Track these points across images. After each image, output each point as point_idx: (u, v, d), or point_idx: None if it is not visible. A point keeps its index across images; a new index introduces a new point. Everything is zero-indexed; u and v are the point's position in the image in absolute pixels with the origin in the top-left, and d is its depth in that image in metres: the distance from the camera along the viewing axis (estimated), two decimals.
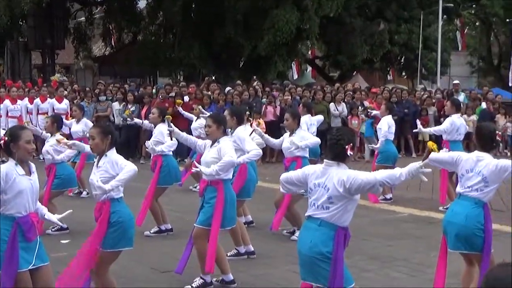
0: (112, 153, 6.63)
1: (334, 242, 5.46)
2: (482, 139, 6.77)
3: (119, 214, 6.51)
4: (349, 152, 5.54)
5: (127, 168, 6.45)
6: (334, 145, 5.60)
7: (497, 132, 6.68)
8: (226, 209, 7.62)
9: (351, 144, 5.57)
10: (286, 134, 10.35)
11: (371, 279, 8.16)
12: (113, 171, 6.49)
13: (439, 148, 7.41)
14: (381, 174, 5.52)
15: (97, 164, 6.66)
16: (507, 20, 41.94)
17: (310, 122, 13.46)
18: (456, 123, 12.53)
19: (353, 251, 8.89)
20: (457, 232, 6.49)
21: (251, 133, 10.20)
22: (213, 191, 7.63)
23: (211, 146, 7.86)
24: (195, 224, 7.73)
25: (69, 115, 17.20)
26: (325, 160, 5.67)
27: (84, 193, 13.56)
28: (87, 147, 9.27)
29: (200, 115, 14.07)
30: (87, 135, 12.93)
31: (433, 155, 6.65)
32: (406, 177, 5.52)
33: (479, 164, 6.54)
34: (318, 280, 5.53)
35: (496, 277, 2.63)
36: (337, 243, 5.46)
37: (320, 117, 14.66)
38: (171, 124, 9.33)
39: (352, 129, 17.87)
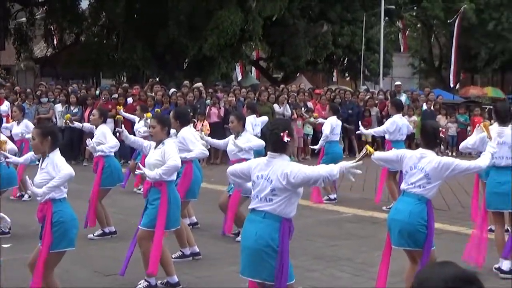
0: (55, 155, 6.57)
1: (280, 233, 5.48)
2: (426, 136, 6.91)
3: (60, 214, 6.46)
4: (285, 139, 5.54)
5: (61, 173, 6.41)
6: (270, 136, 5.67)
7: (440, 129, 6.80)
8: (170, 211, 7.59)
9: (287, 131, 5.57)
10: (232, 136, 10.35)
11: (315, 279, 8.20)
12: (54, 173, 6.43)
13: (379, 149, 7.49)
14: (324, 169, 5.55)
15: (41, 166, 6.59)
16: (448, 22, 42.59)
17: (255, 123, 13.49)
18: (398, 124, 12.72)
19: (298, 251, 8.93)
20: (400, 228, 6.58)
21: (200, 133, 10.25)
22: (157, 193, 7.60)
23: (155, 148, 7.82)
24: (139, 226, 7.69)
25: (10, 118, 16.91)
26: (268, 152, 5.70)
27: (26, 196, 13.33)
28: (21, 160, 9.19)
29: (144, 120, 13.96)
30: (26, 136, 12.78)
31: (378, 153, 6.75)
32: (338, 173, 5.54)
33: (422, 161, 6.65)
34: (259, 275, 5.51)
35: (426, 277, 2.64)
36: (282, 235, 5.48)
37: (265, 118, 14.70)
38: (122, 126, 9.29)
39: (287, 119, 17.90)
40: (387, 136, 12.99)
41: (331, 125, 13.41)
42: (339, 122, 13.78)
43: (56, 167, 6.46)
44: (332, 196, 13.49)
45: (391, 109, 13.29)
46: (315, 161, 14.19)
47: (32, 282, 6.55)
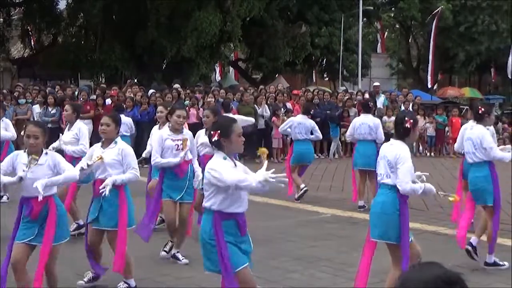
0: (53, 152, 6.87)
1: (212, 226, 5.59)
2: (395, 126, 7.05)
3: (61, 207, 6.80)
4: (214, 138, 5.69)
5: (68, 172, 6.69)
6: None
7: (406, 118, 6.80)
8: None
9: (218, 131, 5.70)
10: (201, 131, 10.40)
11: (296, 279, 8.21)
12: (56, 169, 6.64)
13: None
14: (238, 176, 5.54)
15: (36, 162, 6.59)
16: (425, 22, 42.88)
17: None
18: (355, 123, 12.85)
19: (278, 252, 8.95)
20: (376, 220, 6.67)
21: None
22: (112, 191, 7.46)
23: (104, 147, 7.67)
24: (105, 228, 7.62)
25: None
26: None
27: (4, 198, 13.13)
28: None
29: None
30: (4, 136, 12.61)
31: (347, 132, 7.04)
32: (257, 185, 5.47)
33: (388, 149, 6.77)
34: (213, 268, 5.68)
35: (408, 277, 2.63)
36: (215, 225, 5.58)
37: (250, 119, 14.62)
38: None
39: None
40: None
41: (289, 122, 13.58)
42: (305, 121, 13.66)
43: (59, 164, 6.66)
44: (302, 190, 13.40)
45: (359, 109, 13.50)
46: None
47: (35, 280, 6.63)
